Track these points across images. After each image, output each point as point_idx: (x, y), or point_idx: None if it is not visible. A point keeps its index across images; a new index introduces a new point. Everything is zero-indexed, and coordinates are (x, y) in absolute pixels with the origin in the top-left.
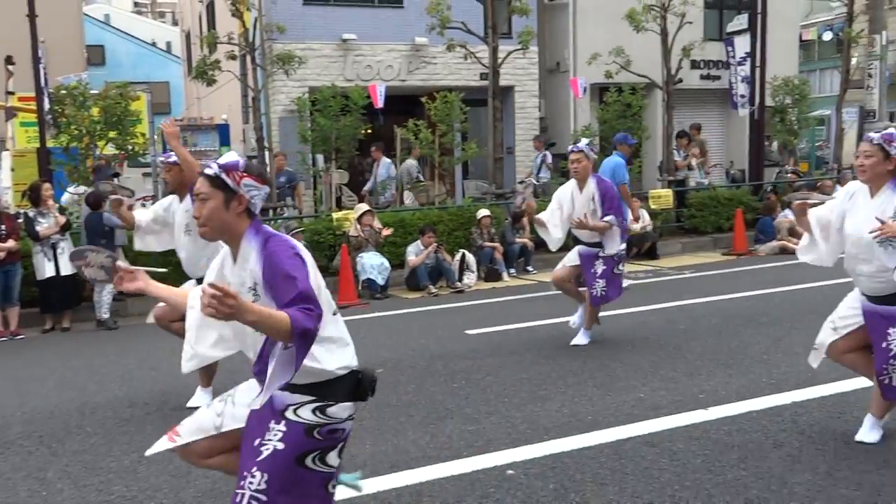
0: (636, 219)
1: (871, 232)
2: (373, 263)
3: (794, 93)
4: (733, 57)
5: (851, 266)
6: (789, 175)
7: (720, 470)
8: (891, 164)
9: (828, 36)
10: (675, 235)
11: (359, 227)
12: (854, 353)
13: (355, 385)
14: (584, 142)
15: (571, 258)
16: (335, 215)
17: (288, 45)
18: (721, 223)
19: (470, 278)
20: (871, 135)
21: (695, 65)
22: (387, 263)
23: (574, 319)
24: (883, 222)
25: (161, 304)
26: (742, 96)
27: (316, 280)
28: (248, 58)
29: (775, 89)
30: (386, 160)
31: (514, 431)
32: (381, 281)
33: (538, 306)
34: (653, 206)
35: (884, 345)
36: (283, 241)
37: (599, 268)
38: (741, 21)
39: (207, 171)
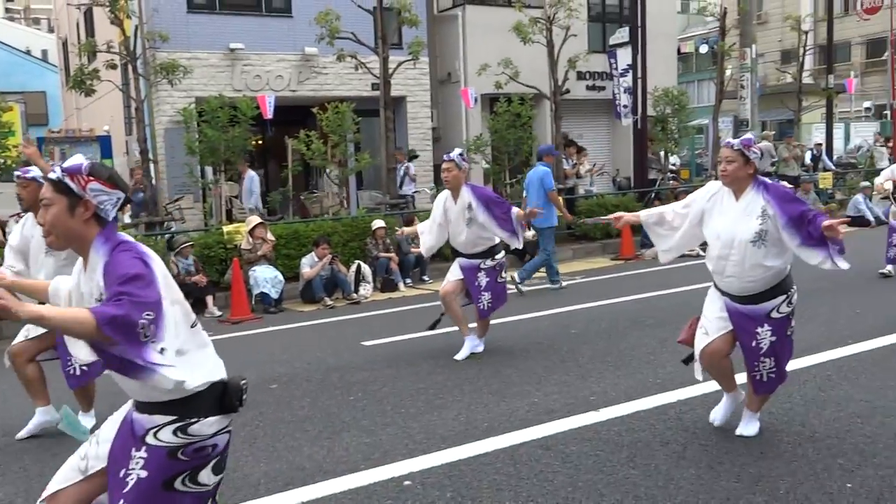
0: (569, 218)
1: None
2: (266, 277)
3: (674, 103)
4: (616, 69)
5: (719, 267)
6: (671, 182)
7: (611, 469)
8: (750, 168)
9: (704, 49)
10: (566, 242)
11: (251, 239)
12: (729, 360)
13: (220, 397)
14: (455, 152)
15: (455, 271)
16: (226, 228)
17: (173, 54)
18: (609, 229)
19: (366, 289)
20: (732, 140)
21: (581, 76)
22: (280, 276)
23: (463, 354)
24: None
25: (17, 340)
26: (625, 106)
27: (167, 288)
28: (130, 67)
29: (656, 100)
30: (251, 173)
31: (410, 442)
32: (274, 294)
33: (435, 316)
34: None
35: (753, 343)
36: (131, 249)
37: (483, 280)
38: (622, 34)
39: (50, 175)
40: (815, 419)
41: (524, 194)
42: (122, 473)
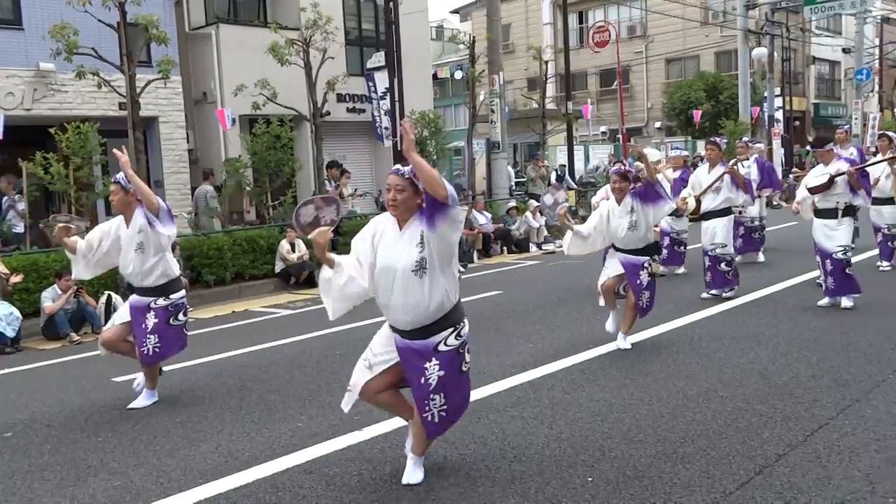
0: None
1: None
2: (0, 314)
3: (431, 126)
4: (375, 91)
5: (384, 300)
6: None
7: (374, 487)
8: (419, 197)
9: (458, 75)
10: None
11: None
12: (388, 393)
13: None
14: (121, 173)
15: (122, 314)
16: None
17: None
18: None
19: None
20: (402, 168)
21: (341, 98)
22: (17, 313)
23: (136, 397)
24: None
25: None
26: (386, 128)
27: None
28: None
29: (414, 122)
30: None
31: (166, 480)
32: (10, 333)
33: (196, 344)
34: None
35: (422, 380)
36: None
37: (150, 321)
38: (379, 58)
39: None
40: (562, 420)
41: None
42: None
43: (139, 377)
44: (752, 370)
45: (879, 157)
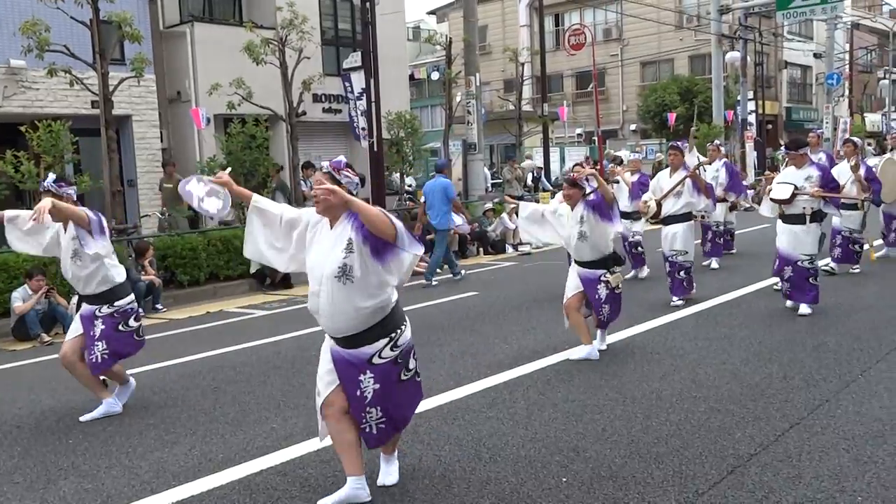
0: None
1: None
2: None
3: (407, 127)
4: (351, 92)
5: (313, 305)
6: (408, 202)
7: None
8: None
9: (435, 76)
10: None
11: None
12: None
13: None
14: (49, 178)
15: (74, 327)
16: None
17: None
18: None
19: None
20: (323, 163)
21: (317, 98)
22: None
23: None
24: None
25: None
26: (363, 129)
27: None
28: None
29: (390, 123)
30: None
31: (137, 483)
32: None
33: (170, 345)
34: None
35: (358, 392)
36: None
37: (98, 328)
38: (355, 59)
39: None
40: (536, 421)
41: (423, 201)
42: None
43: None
44: (725, 371)
45: (845, 162)
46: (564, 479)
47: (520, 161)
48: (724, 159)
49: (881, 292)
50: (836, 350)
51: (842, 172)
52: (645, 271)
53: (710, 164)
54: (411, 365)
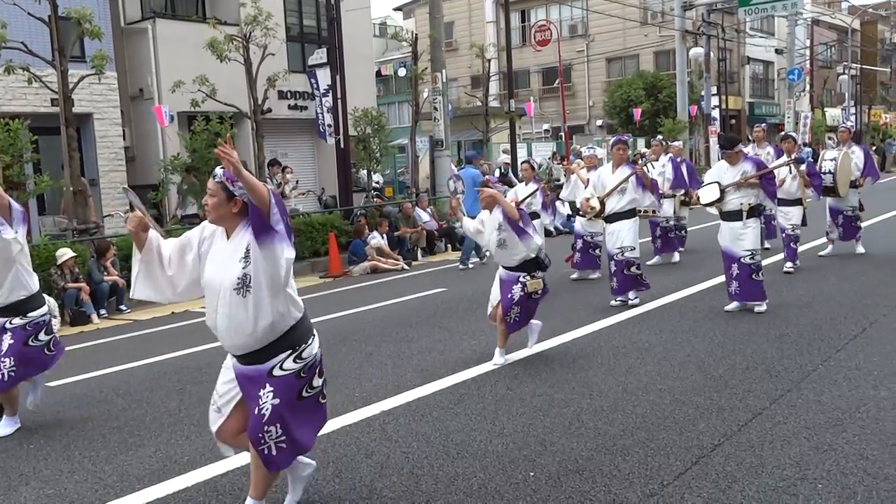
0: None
1: None
2: None
3: (373, 123)
4: (317, 89)
5: (210, 321)
6: (375, 200)
7: (316, 488)
8: (236, 205)
9: (402, 72)
10: None
11: None
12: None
13: None
14: None
15: None
16: None
17: None
18: (317, 247)
19: (53, 324)
20: (217, 171)
21: (282, 95)
22: None
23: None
24: None
25: None
26: (329, 126)
27: None
28: None
29: (356, 120)
30: None
31: (101, 487)
32: None
33: (134, 347)
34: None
35: (256, 410)
36: None
37: (6, 342)
38: (321, 55)
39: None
40: (504, 415)
41: (456, 192)
42: None
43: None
44: (690, 363)
45: (784, 159)
46: (532, 474)
47: (487, 158)
48: (671, 155)
49: (840, 284)
50: (797, 340)
51: (783, 168)
52: (596, 274)
53: (656, 160)
54: (316, 383)
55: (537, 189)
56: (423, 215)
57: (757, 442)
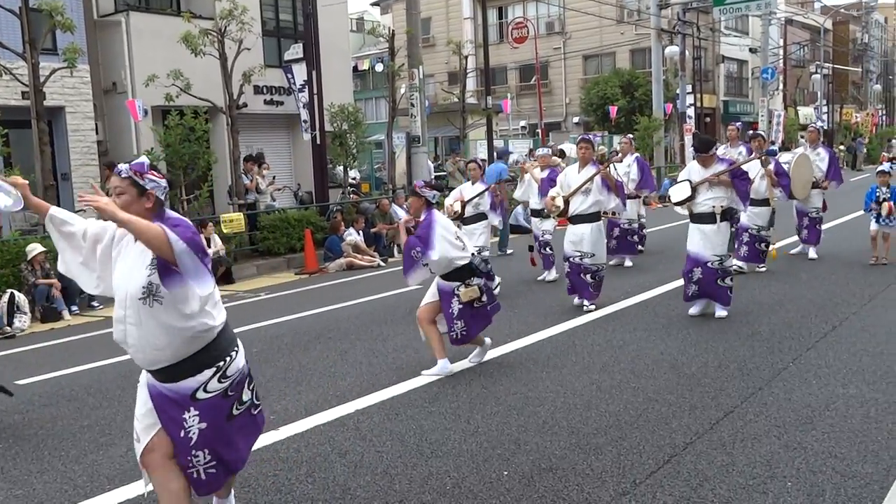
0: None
1: None
2: None
3: (350, 119)
4: (294, 84)
5: (118, 334)
6: (351, 196)
7: (289, 488)
8: (149, 200)
9: (380, 67)
10: (249, 258)
11: None
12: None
13: None
14: None
15: None
16: None
17: None
18: (293, 244)
19: (22, 321)
20: (121, 166)
21: (258, 90)
22: None
23: None
24: None
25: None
26: (305, 121)
27: None
28: None
29: (333, 116)
30: None
31: (70, 487)
32: None
33: (106, 344)
34: (225, 231)
35: (181, 434)
36: None
37: None
38: (297, 50)
39: None
40: (479, 414)
41: (501, 181)
42: None
43: None
44: (664, 361)
45: (754, 154)
46: (506, 473)
47: (464, 155)
48: (637, 155)
49: (811, 283)
50: (769, 339)
51: (751, 167)
52: (553, 274)
53: (620, 160)
54: (246, 397)
55: (485, 189)
56: (400, 212)
57: (728, 440)
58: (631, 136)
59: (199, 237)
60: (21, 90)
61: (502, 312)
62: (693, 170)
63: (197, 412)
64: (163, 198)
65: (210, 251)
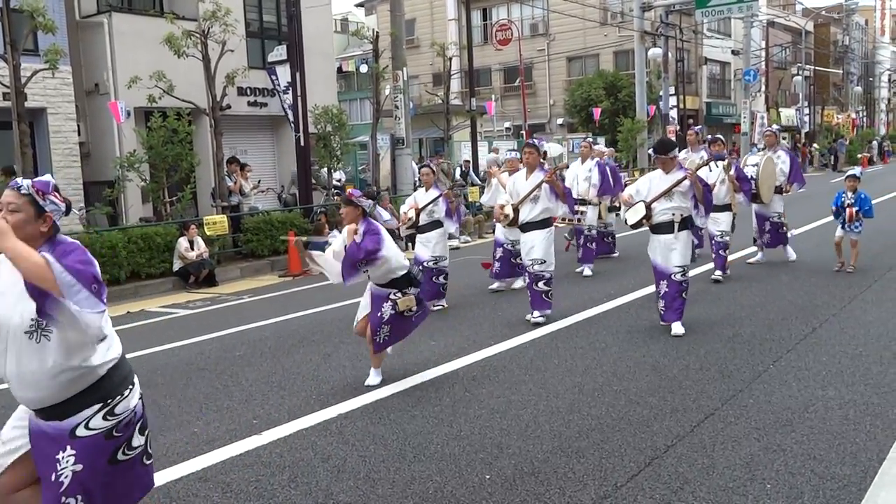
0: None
1: None
2: None
3: (334, 121)
4: (279, 85)
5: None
6: (335, 197)
7: (271, 493)
8: (45, 224)
9: (364, 69)
10: (233, 261)
11: None
12: (30, 491)
13: None
14: None
15: None
16: None
17: None
18: (276, 246)
19: None
20: (18, 180)
21: (242, 91)
22: None
23: None
24: None
25: None
26: (291, 122)
27: None
28: None
29: (317, 117)
30: None
31: None
32: None
33: None
34: (208, 233)
35: (53, 477)
36: None
37: None
38: (281, 52)
39: None
40: (462, 418)
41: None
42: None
43: None
44: (645, 364)
45: (706, 157)
46: (488, 477)
47: (448, 157)
48: (598, 160)
49: (792, 284)
50: (750, 341)
51: (710, 173)
52: (519, 283)
53: (566, 167)
54: (136, 442)
55: (439, 196)
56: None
57: (709, 443)
58: (591, 139)
59: (94, 266)
60: (2, 91)
61: (487, 315)
62: (654, 177)
63: (73, 452)
64: (58, 220)
65: (193, 254)
